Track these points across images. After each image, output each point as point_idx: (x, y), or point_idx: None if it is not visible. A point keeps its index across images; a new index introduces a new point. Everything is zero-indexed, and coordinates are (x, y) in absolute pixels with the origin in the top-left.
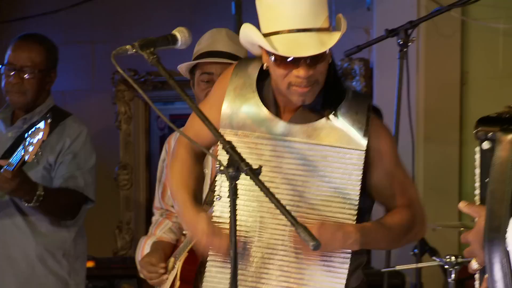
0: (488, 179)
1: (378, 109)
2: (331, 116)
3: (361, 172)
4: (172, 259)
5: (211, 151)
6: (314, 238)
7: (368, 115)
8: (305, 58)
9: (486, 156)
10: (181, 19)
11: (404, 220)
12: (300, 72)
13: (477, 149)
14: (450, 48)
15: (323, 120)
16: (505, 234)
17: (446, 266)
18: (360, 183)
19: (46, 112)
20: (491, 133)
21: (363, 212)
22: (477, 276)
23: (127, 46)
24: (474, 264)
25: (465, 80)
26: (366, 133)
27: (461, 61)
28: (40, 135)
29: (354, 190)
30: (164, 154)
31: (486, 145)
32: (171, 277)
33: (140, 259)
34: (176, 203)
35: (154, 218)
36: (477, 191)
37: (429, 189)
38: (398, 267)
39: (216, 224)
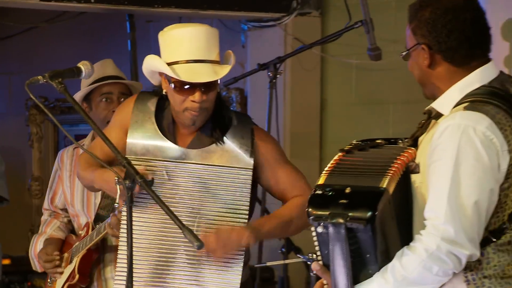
0: (327, 251)
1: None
2: (221, 141)
3: (250, 187)
4: (66, 255)
5: None
6: (198, 240)
7: (252, 138)
8: (200, 86)
9: (322, 235)
10: (84, 54)
11: (295, 209)
12: (195, 98)
13: (313, 230)
14: (311, 80)
15: (215, 145)
16: None
17: (309, 262)
18: (249, 196)
19: None
20: (322, 222)
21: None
22: None
23: (39, 77)
24: None
25: (324, 106)
26: (252, 154)
27: (321, 90)
28: None
29: (244, 203)
30: (57, 166)
31: (320, 229)
32: (68, 271)
33: (33, 253)
34: (88, 178)
35: (43, 218)
36: (320, 258)
37: None
38: (268, 263)
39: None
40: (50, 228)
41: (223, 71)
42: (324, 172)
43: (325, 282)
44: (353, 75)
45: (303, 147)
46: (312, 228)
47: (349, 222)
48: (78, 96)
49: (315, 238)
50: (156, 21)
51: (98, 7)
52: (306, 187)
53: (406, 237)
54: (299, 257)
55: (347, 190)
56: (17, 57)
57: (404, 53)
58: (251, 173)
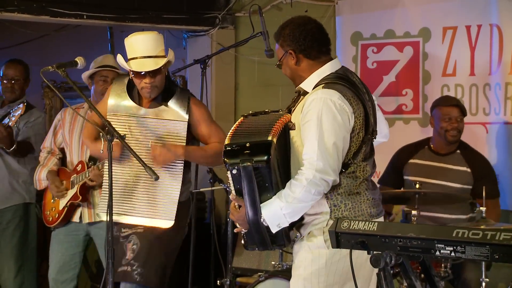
0: (238, 186)
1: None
2: (168, 104)
3: (185, 133)
4: (65, 182)
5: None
6: (154, 173)
7: (188, 103)
8: (148, 72)
9: (236, 176)
10: (79, 52)
11: (215, 149)
12: (146, 80)
13: (229, 173)
14: (229, 70)
15: (163, 106)
16: (261, 215)
17: (227, 189)
18: (185, 138)
19: (19, 103)
20: (236, 166)
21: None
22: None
23: (49, 67)
24: (242, 230)
25: (237, 87)
26: (187, 112)
27: (235, 77)
28: (19, 111)
29: (183, 143)
30: (59, 117)
31: (234, 171)
32: (70, 193)
33: (37, 177)
34: (86, 144)
35: (43, 154)
36: (233, 191)
37: None
38: (201, 189)
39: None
40: (50, 162)
41: (162, 62)
42: (229, 134)
43: (236, 205)
44: (255, 67)
45: (223, 114)
46: (228, 173)
47: (254, 163)
48: (87, 73)
49: (230, 178)
50: (127, 31)
51: (89, 22)
52: (223, 136)
53: (286, 172)
54: (221, 185)
55: (248, 144)
56: (35, 54)
57: (278, 63)
58: (186, 124)
